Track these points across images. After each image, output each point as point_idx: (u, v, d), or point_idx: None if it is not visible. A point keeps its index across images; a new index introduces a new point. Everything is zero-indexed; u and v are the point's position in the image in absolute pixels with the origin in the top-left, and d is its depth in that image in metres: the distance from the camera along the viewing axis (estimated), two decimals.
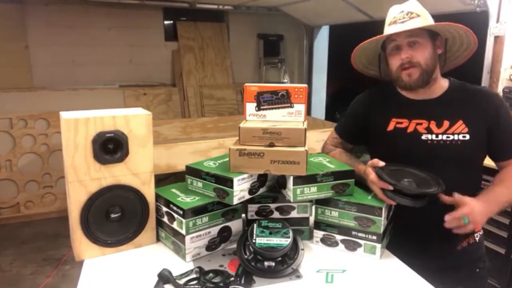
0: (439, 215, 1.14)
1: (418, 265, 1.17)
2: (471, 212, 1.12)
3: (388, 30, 1.28)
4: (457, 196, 1.15)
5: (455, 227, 1.14)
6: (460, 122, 1.26)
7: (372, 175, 1.20)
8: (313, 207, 1.26)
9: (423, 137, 1.28)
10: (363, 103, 1.47)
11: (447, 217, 1.12)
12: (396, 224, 1.31)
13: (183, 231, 1.14)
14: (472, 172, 1.30)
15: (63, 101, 3.70)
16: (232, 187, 1.15)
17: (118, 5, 3.98)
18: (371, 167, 1.22)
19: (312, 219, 1.29)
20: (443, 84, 1.33)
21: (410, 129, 1.30)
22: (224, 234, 1.24)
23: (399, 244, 1.26)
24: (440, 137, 1.27)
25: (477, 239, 1.33)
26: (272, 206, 1.29)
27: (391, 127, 1.34)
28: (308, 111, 4.52)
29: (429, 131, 1.28)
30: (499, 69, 2.56)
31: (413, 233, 1.30)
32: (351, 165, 1.32)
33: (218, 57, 4.53)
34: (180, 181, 1.35)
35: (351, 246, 1.21)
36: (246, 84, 1.28)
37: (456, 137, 1.25)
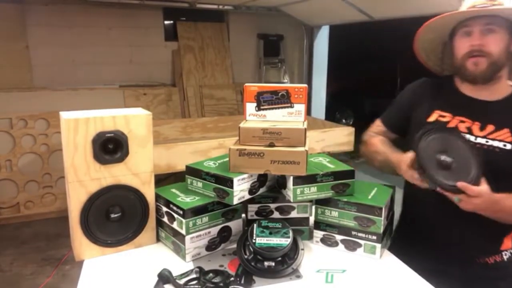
0: (464, 221, 1.11)
1: (435, 269, 1.15)
2: (477, 203, 1.05)
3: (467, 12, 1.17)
4: (484, 187, 1.05)
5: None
6: (506, 130, 1.17)
7: (404, 165, 1.14)
8: (313, 207, 1.26)
9: None
10: (413, 90, 1.38)
11: (447, 193, 1.07)
12: (416, 224, 1.27)
13: (183, 231, 1.14)
14: (509, 184, 1.15)
15: (63, 101, 3.69)
16: (232, 187, 1.15)
17: (118, 5, 3.98)
18: (409, 157, 1.15)
19: (312, 219, 1.29)
20: (506, 89, 1.23)
21: (451, 125, 1.23)
22: (224, 234, 1.24)
23: (416, 245, 1.24)
24: (478, 140, 1.18)
25: (505, 257, 1.23)
26: (272, 206, 1.29)
27: (432, 118, 1.26)
28: (308, 111, 4.52)
29: (469, 131, 1.20)
30: None
31: (434, 237, 1.25)
32: (387, 153, 1.28)
33: (218, 57, 4.53)
34: (180, 181, 1.35)
35: (351, 246, 1.21)
36: (246, 84, 1.28)
37: (495, 143, 1.16)
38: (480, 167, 1.07)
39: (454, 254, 1.24)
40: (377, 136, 1.42)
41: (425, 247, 1.26)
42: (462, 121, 1.22)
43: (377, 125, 1.46)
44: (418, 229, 1.30)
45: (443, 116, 1.25)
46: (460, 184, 1.04)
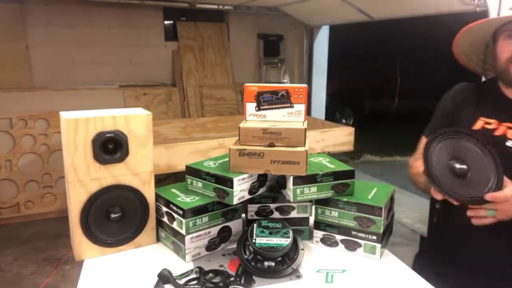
0: (505, 236, 1.05)
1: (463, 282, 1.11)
2: (509, 208, 0.99)
3: (509, 13, 1.11)
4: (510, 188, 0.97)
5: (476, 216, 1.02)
6: None
7: None
8: (313, 207, 1.26)
9: (508, 143, 1.12)
10: (453, 96, 1.30)
11: (472, 208, 1.01)
12: (450, 237, 1.22)
13: (183, 231, 1.14)
14: None
15: (63, 101, 3.69)
16: (232, 187, 1.15)
17: (118, 5, 3.98)
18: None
19: (312, 219, 1.29)
20: None
21: (497, 132, 1.15)
22: (224, 234, 1.24)
23: (448, 259, 1.18)
24: None
25: None
26: (272, 206, 1.29)
27: (477, 126, 1.18)
28: (308, 111, 4.52)
29: None
30: None
31: (470, 251, 1.18)
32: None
33: (218, 57, 4.53)
34: (180, 181, 1.35)
35: (351, 246, 1.21)
36: (246, 84, 1.28)
37: None
38: (500, 171, 0.98)
39: (490, 272, 1.16)
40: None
41: (459, 261, 1.21)
42: (510, 128, 1.15)
43: (423, 144, 1.32)
44: (452, 243, 1.24)
45: (489, 123, 1.17)
46: (489, 196, 0.97)
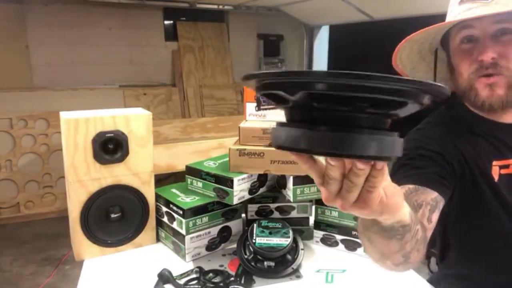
0: None
1: None
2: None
3: (460, 12, 0.82)
4: None
5: None
6: None
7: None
8: (313, 207, 1.26)
9: None
10: (448, 140, 0.90)
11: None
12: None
13: (183, 231, 1.14)
14: None
15: (63, 101, 3.69)
16: (232, 187, 1.15)
17: (118, 5, 3.98)
18: None
19: (312, 219, 1.29)
20: None
21: None
22: (224, 234, 1.24)
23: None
24: None
25: None
26: (272, 206, 1.29)
27: (496, 174, 0.88)
28: None
29: None
30: None
31: None
32: None
33: (218, 57, 4.53)
34: (180, 181, 1.35)
35: (351, 246, 1.21)
36: None
37: None
38: None
39: None
40: None
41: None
42: None
43: None
44: None
45: (506, 166, 0.89)
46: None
